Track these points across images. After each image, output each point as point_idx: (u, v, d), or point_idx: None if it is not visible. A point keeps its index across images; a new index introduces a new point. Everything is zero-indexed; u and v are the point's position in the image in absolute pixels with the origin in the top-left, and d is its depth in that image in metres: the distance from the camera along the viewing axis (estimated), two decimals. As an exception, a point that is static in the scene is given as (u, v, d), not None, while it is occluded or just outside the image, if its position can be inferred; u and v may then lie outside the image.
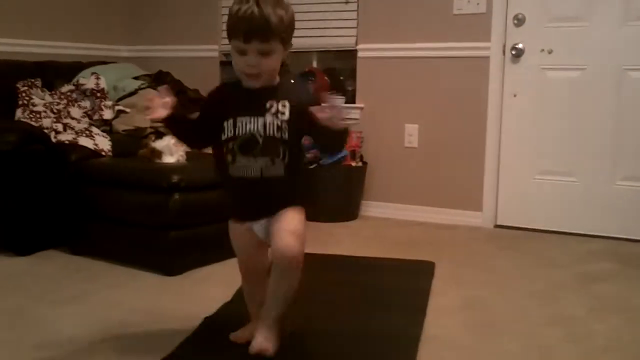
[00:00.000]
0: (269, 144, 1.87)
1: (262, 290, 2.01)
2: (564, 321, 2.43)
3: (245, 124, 1.88)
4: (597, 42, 3.60)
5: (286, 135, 1.88)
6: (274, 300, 1.95)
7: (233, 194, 2.02)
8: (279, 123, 1.87)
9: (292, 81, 2.06)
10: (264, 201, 1.94)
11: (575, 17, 3.63)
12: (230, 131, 1.88)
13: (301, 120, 1.87)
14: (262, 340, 1.93)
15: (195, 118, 2.02)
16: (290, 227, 1.90)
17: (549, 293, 2.76)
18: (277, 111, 1.87)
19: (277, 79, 1.93)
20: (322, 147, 2.12)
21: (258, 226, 1.99)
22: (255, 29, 1.77)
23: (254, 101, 1.88)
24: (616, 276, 3.01)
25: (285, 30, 1.82)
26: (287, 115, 1.88)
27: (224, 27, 4.50)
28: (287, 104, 1.88)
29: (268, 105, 1.88)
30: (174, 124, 1.99)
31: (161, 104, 1.88)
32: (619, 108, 3.59)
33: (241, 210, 2.03)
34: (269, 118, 1.87)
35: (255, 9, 1.76)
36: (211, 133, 1.93)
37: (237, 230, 2.06)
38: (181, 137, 2.12)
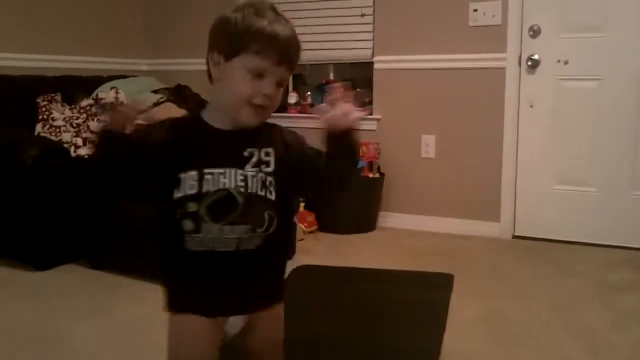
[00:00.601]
0: (251, 206, 1.37)
1: None
2: (586, 333, 2.42)
3: (218, 178, 1.36)
4: (614, 52, 3.58)
5: (273, 194, 1.40)
6: None
7: (190, 275, 1.43)
8: (263, 177, 1.39)
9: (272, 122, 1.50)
10: (241, 286, 1.42)
11: (591, 28, 3.62)
12: (193, 187, 1.35)
13: (288, 169, 1.42)
14: None
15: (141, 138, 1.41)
16: (274, 338, 1.56)
17: (569, 304, 2.75)
18: (260, 161, 1.40)
19: None
20: (326, 182, 1.49)
21: (236, 322, 1.48)
22: (291, 53, 1.39)
23: (230, 147, 1.39)
24: (637, 287, 2.99)
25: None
26: (272, 167, 1.41)
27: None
28: (271, 151, 1.41)
29: (247, 153, 1.39)
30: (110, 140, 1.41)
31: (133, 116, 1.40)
32: (636, 118, 3.57)
33: (206, 299, 1.42)
34: (250, 171, 1.38)
35: (288, 29, 1.38)
36: (154, 175, 1.40)
37: (192, 327, 1.43)
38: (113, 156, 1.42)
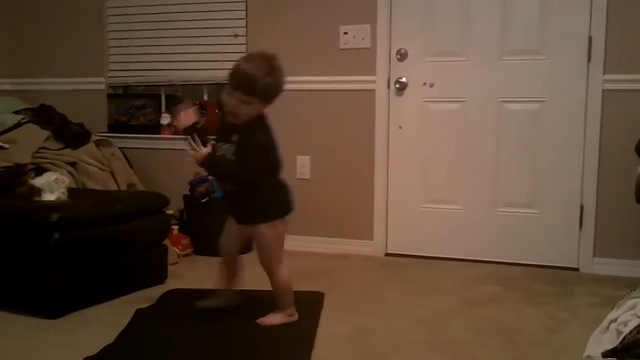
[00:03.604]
0: None
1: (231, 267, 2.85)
2: (449, 346, 2.50)
3: (224, 149, 2.56)
4: (475, 75, 3.78)
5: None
6: (274, 293, 2.73)
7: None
8: (235, 148, 2.50)
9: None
10: (241, 211, 2.66)
11: (454, 53, 3.81)
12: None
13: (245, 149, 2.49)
14: (270, 317, 2.68)
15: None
16: (261, 246, 2.68)
17: (436, 319, 2.83)
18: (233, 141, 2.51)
19: (255, 117, 2.54)
20: None
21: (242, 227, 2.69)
22: (239, 83, 2.44)
23: (229, 132, 2.55)
24: (498, 299, 3.14)
25: (262, 91, 2.45)
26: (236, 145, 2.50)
27: (111, 59, 4.47)
28: (239, 136, 2.51)
29: (233, 137, 2.52)
30: None
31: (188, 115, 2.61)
32: (497, 138, 3.77)
33: (233, 214, 2.73)
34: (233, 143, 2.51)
35: (246, 68, 2.45)
36: None
37: (230, 224, 2.75)
38: None
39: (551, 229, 3.72)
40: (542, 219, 3.74)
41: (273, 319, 2.68)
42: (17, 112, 3.98)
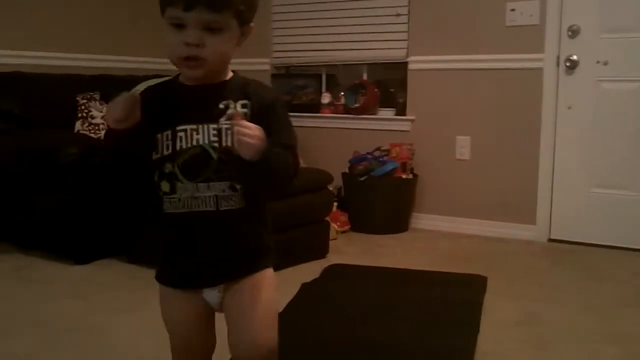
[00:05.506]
0: (227, 162, 1.27)
1: None
2: (622, 338, 2.38)
3: (191, 136, 1.28)
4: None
5: None
6: None
7: (169, 242, 1.37)
8: None
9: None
10: (223, 251, 1.33)
11: (632, 28, 3.56)
12: (167, 147, 1.29)
13: (263, 126, 1.23)
14: None
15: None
16: (263, 309, 1.36)
17: (606, 309, 2.70)
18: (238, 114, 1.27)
19: (230, 73, 1.36)
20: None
21: (212, 294, 1.37)
22: None
23: (202, 102, 1.29)
24: (677, 293, 2.94)
25: (242, 2, 1.27)
26: (249, 118, 1.26)
27: (275, 40, 4.62)
28: (248, 103, 1.29)
29: (222, 105, 1.28)
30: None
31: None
32: (678, 120, 3.51)
33: (183, 269, 1.36)
34: (225, 124, 1.27)
35: None
36: (142, 147, 1.30)
37: (173, 301, 1.40)
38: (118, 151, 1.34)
39: None
40: None
41: None
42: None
